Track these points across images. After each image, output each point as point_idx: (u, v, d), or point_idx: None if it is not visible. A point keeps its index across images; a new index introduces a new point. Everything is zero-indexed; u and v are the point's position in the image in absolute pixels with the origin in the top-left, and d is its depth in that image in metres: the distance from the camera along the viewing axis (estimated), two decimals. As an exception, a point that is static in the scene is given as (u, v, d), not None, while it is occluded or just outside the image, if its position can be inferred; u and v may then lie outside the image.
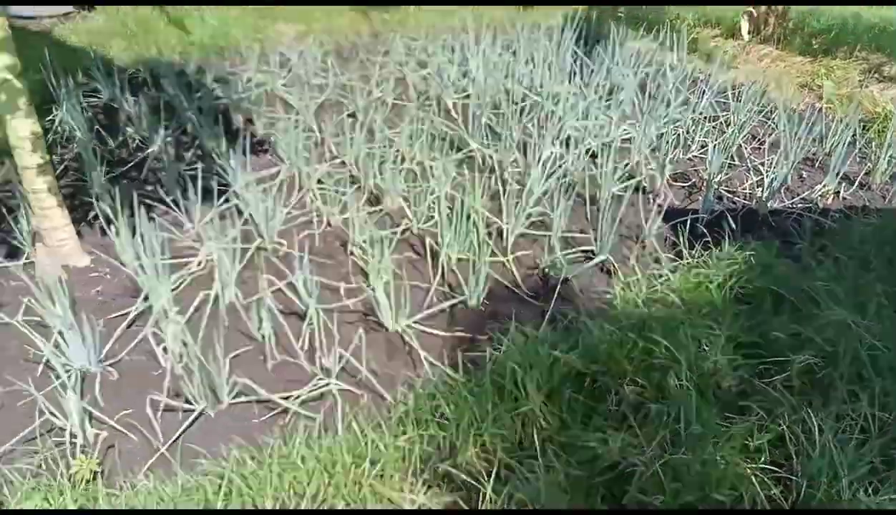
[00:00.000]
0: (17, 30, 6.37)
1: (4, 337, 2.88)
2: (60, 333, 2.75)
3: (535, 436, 2.27)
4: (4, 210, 3.66)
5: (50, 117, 4.62)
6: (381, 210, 3.86)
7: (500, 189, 3.88)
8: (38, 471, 2.24)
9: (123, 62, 5.57)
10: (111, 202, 3.77)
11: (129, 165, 4.26)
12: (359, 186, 4.08)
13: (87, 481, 2.16)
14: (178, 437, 2.41)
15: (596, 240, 3.53)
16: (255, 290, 3.18)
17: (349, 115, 4.94)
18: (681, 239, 3.48)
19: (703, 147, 4.57)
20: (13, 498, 2.09)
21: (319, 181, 4.07)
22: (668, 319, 2.65)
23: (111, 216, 3.55)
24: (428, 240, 3.55)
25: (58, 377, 2.64)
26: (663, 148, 4.34)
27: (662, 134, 4.55)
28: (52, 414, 2.42)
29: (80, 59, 5.41)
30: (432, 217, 3.74)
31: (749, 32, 6.34)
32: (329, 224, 3.74)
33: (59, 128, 4.56)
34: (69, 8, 7.03)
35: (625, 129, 4.64)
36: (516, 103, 4.96)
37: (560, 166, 4.14)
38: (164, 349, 2.79)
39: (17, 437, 2.37)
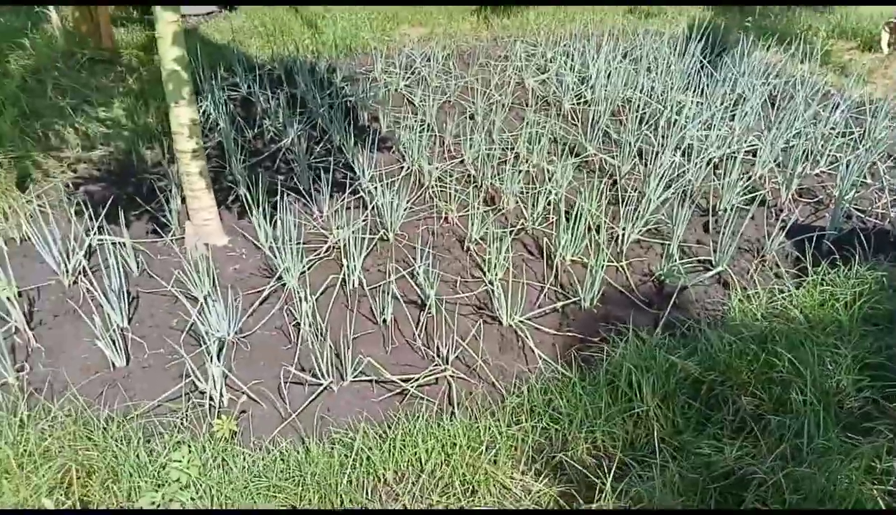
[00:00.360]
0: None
1: (154, 304, 3.19)
2: (205, 305, 3.02)
3: (648, 438, 2.30)
4: (156, 189, 4.05)
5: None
6: (497, 209, 3.96)
7: (619, 195, 3.89)
8: (183, 427, 2.48)
9: (261, 59, 5.96)
10: (248, 188, 4.09)
11: (264, 155, 4.57)
12: (476, 185, 4.20)
13: (226, 439, 2.37)
14: (304, 407, 2.60)
15: (714, 250, 3.48)
16: (377, 277, 3.37)
17: (469, 117, 5.08)
18: (806, 255, 3.37)
19: (832, 163, 4.38)
20: (162, 448, 2.33)
21: (439, 178, 4.22)
22: (792, 334, 2.60)
23: (250, 201, 3.85)
24: (544, 241, 3.62)
25: (200, 344, 2.91)
26: (790, 162, 4.20)
27: (790, 146, 4.40)
28: (195, 377, 2.67)
29: (224, 55, 5.83)
30: (547, 218, 3.81)
31: (889, 45, 5.97)
32: (447, 219, 3.88)
33: (203, 118, 4.95)
34: (213, 8, 7.58)
35: (749, 141, 4.52)
36: (635, 111, 4.95)
37: (680, 175, 4.11)
38: (296, 325, 3.01)
39: (164, 395, 2.63)
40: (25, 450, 2.23)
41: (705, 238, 3.71)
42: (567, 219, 3.77)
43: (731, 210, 3.85)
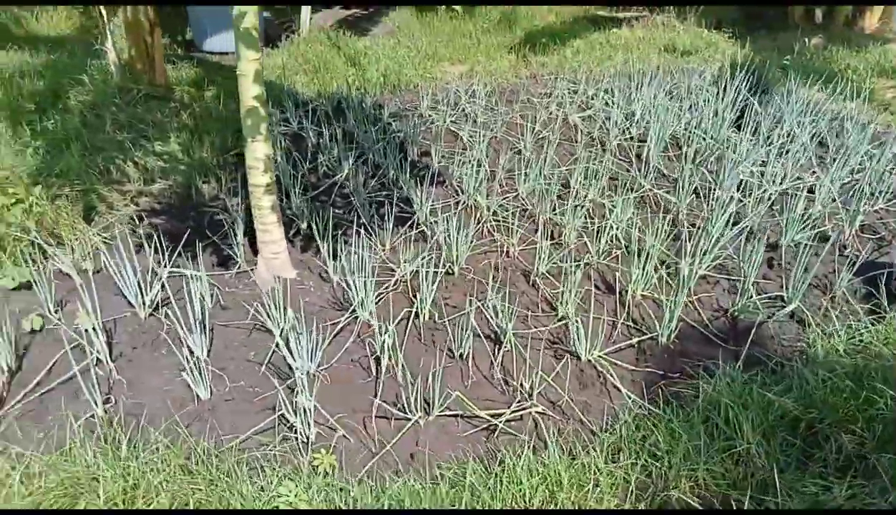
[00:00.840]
0: (212, 64, 7.10)
1: (228, 336, 3.20)
2: (284, 338, 3.03)
3: (749, 476, 2.27)
4: (216, 223, 4.09)
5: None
6: (559, 243, 3.97)
7: (679, 230, 3.90)
8: (279, 460, 2.47)
9: (307, 95, 6.06)
10: (309, 222, 4.13)
11: (320, 189, 4.61)
12: (533, 219, 4.22)
13: (326, 473, 2.36)
14: (394, 442, 2.58)
15: (782, 287, 3.48)
16: (447, 310, 3.37)
17: (516, 153, 5.13)
18: (880, 291, 3.35)
19: (890, 200, 4.38)
20: (265, 483, 2.32)
21: (496, 213, 4.25)
22: (885, 371, 2.57)
23: (315, 234, 3.88)
24: (610, 276, 3.63)
25: (280, 376, 2.91)
26: (851, 198, 4.21)
27: (848, 183, 4.41)
28: (286, 409, 2.66)
29: (271, 91, 5.92)
30: (609, 252, 3.82)
31: (931, 83, 6.02)
32: (508, 253, 3.89)
33: (258, 153, 5.01)
34: (254, 46, 7.72)
35: (801, 178, 4.54)
36: (685, 147, 4.99)
37: (739, 211, 4.12)
38: (374, 358, 3.01)
39: (254, 428, 2.63)
40: (131, 484, 2.22)
41: (770, 273, 3.70)
42: (629, 254, 3.79)
43: (795, 246, 3.86)
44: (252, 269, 3.70)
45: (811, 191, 4.43)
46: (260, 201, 3.41)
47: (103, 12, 5.19)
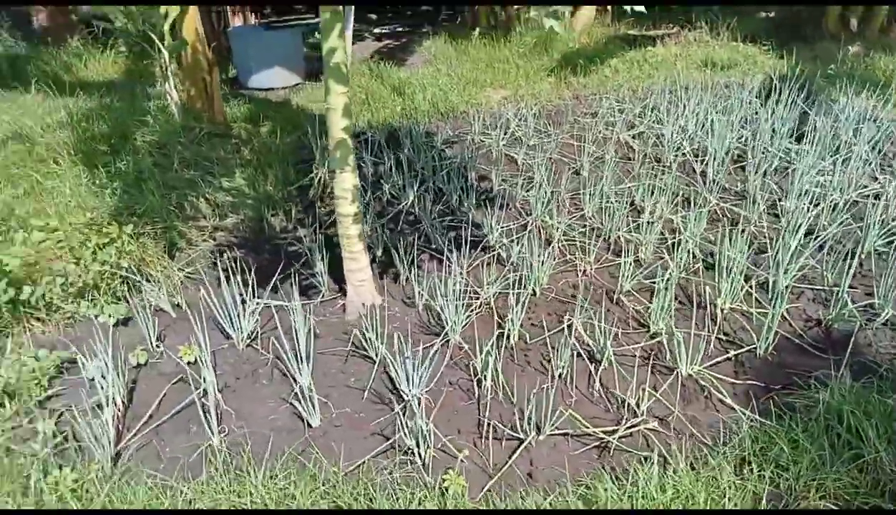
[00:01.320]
0: (260, 100, 7.25)
1: (325, 364, 3.25)
2: (384, 363, 3.08)
3: (878, 485, 2.27)
4: (291, 254, 4.17)
5: (312, 174, 5.21)
6: (636, 260, 3.99)
7: (766, 242, 3.91)
8: (400, 484, 2.49)
9: (359, 126, 6.17)
10: (385, 248, 4.20)
11: (388, 217, 4.69)
12: (605, 238, 4.25)
13: (458, 495, 2.38)
14: (510, 462, 2.60)
15: (871, 295, 3.47)
16: (535, 331, 3.40)
17: (574, 172, 5.18)
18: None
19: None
20: (403, 505, 2.35)
21: (565, 233, 4.29)
22: None
23: (396, 261, 3.94)
24: (691, 289, 3.64)
25: (383, 401, 2.95)
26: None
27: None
28: (403, 433, 2.69)
29: (325, 124, 6.05)
30: (687, 267, 3.84)
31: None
32: (585, 273, 3.92)
33: (321, 184, 5.11)
34: (298, 80, 7.91)
35: (867, 186, 4.54)
36: (746, 159, 5.02)
37: (813, 222, 4.13)
38: (478, 381, 3.04)
39: (371, 453, 2.66)
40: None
41: (853, 282, 3.69)
42: (708, 268, 3.81)
43: (876, 254, 3.86)
44: (336, 297, 3.77)
45: (877, 197, 4.44)
46: (348, 230, 3.47)
47: (165, 54, 5.34)
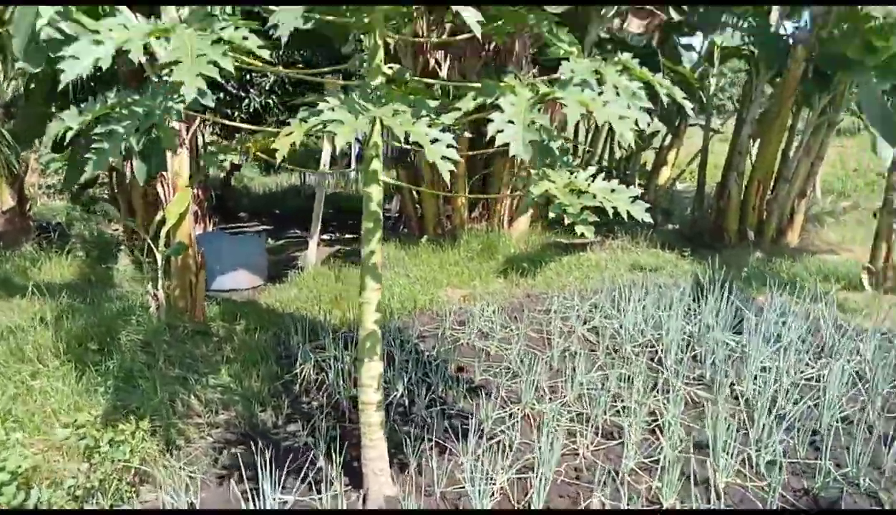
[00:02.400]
0: (228, 301, 7.44)
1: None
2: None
3: None
4: (286, 449, 4.20)
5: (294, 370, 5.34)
6: (622, 442, 4.28)
7: (745, 421, 4.34)
8: None
9: (334, 324, 6.44)
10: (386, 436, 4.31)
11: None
12: (592, 422, 4.55)
13: None
14: None
15: (848, 464, 3.88)
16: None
17: (546, 364, 5.58)
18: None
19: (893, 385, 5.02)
20: None
21: (554, 418, 4.57)
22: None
23: (405, 449, 4.05)
24: (687, 467, 3.94)
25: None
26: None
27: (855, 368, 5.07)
28: None
29: (300, 322, 6.29)
30: (677, 446, 4.16)
31: (871, 284, 7.11)
32: (584, 455, 4.16)
33: (313, 380, 5.24)
34: (261, 282, 8.21)
35: (803, 370, 5.18)
36: (695, 350, 5.61)
37: (771, 402, 4.63)
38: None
39: None
40: None
41: (813, 454, 4.12)
42: (697, 447, 4.14)
43: (830, 428, 4.35)
44: (349, 490, 3.79)
45: (818, 380, 5.04)
46: (370, 418, 3.63)
47: (158, 258, 5.58)
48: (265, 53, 2.52)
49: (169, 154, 5.43)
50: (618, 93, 2.89)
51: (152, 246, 5.69)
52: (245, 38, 2.50)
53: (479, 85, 2.77)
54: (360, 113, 2.34)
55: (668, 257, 9.15)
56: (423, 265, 8.73)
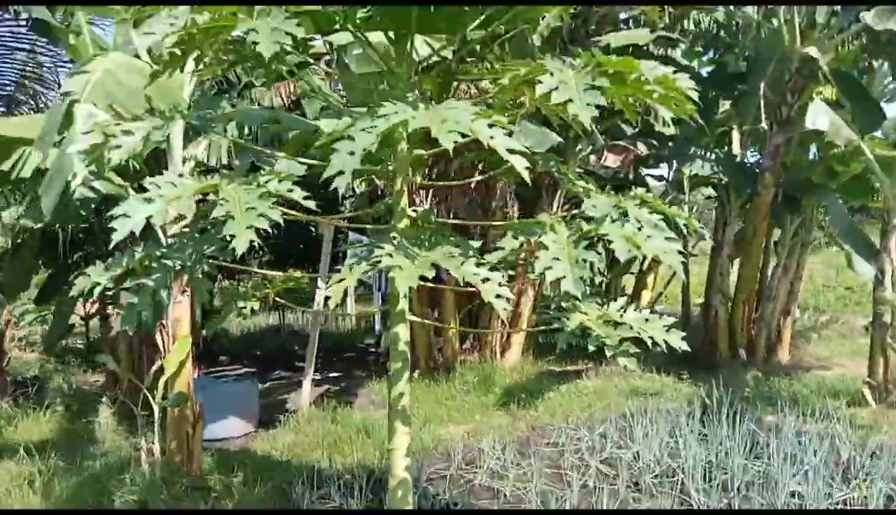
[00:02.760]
0: (222, 450, 7.12)
1: None
2: None
3: None
4: None
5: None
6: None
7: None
8: None
9: (337, 470, 6.14)
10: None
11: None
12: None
13: None
14: None
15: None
16: None
17: (563, 501, 5.34)
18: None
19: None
20: None
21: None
22: None
23: None
24: None
25: None
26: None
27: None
28: None
29: (302, 471, 5.99)
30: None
31: (874, 399, 7.12)
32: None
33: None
34: (252, 429, 7.89)
35: (831, 494, 5.04)
36: (708, 476, 5.45)
37: None
38: None
39: None
40: None
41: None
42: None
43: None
44: None
45: (846, 503, 4.90)
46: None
47: (155, 409, 5.35)
48: (311, 204, 2.56)
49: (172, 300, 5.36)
50: (640, 226, 2.98)
51: (149, 397, 5.47)
52: (290, 190, 2.55)
53: (515, 224, 2.84)
54: (417, 257, 2.35)
55: (665, 381, 9.10)
56: (420, 401, 8.52)
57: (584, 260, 2.46)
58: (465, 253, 2.50)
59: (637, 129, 10.43)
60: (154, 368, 5.57)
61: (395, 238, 2.54)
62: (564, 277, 2.36)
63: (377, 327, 11.35)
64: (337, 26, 3.52)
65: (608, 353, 2.78)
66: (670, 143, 10.21)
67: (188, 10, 2.64)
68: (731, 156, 10.45)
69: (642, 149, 10.58)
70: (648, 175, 12.78)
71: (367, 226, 3.79)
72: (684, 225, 3.20)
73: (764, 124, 9.37)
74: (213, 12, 2.51)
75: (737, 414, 6.73)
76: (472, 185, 10.09)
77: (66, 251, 7.93)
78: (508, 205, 10.09)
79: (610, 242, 2.55)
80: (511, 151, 2.27)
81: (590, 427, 7.01)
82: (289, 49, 2.77)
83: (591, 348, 2.79)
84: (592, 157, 9.74)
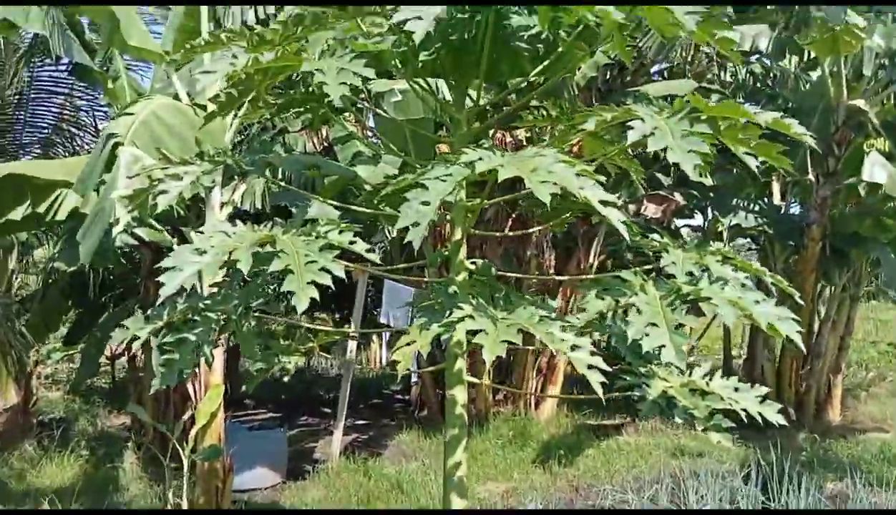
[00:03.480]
0: (249, 504, 6.83)
1: None
2: None
3: None
4: None
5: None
6: None
7: None
8: None
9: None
10: None
11: None
12: None
13: None
14: None
15: None
16: None
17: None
18: None
19: None
20: None
21: None
22: None
23: None
24: None
25: None
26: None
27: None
28: None
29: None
30: None
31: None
32: None
33: None
34: (279, 479, 7.59)
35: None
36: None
37: None
38: None
39: None
40: None
41: None
42: None
43: None
44: None
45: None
46: None
47: (184, 462, 5.12)
48: (374, 257, 2.34)
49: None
50: (725, 285, 2.71)
51: (178, 449, 5.23)
52: (353, 243, 2.34)
53: (596, 281, 2.60)
54: (498, 320, 2.12)
55: (711, 439, 8.63)
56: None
57: (682, 326, 2.21)
58: (548, 315, 2.26)
59: (674, 178, 10.22)
60: (185, 418, 5.34)
61: (470, 296, 2.31)
62: (664, 346, 2.11)
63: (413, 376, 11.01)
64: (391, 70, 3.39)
65: (698, 427, 2.50)
66: (711, 194, 9.93)
67: (248, 50, 2.49)
68: (775, 208, 10.17)
69: (679, 197, 10.33)
70: (686, 225, 12.52)
71: (409, 278, 3.57)
72: (772, 284, 2.93)
73: (810, 176, 9.12)
74: (276, 51, 2.36)
75: (794, 479, 6.30)
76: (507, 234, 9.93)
77: (96, 292, 7.82)
78: (544, 254, 9.85)
79: (715, 305, 2.29)
80: (604, 203, 2.06)
81: (637, 489, 6.61)
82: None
83: (679, 420, 2.51)
84: (632, 207, 9.49)
